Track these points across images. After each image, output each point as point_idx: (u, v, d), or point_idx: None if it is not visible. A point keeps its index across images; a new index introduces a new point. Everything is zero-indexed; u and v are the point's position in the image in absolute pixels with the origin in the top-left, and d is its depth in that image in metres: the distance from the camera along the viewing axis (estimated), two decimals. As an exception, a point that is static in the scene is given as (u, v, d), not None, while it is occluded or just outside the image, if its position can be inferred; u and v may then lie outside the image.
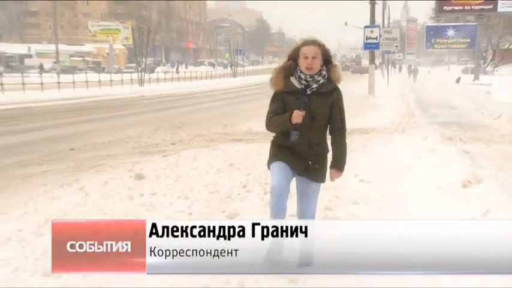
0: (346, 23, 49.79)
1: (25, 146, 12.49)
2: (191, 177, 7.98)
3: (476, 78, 41.98)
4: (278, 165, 4.07)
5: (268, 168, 4.21)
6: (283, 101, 4.03)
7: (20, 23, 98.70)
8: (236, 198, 6.70)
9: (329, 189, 7.09)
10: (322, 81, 4.00)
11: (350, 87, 36.76)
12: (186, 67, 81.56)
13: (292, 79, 4.04)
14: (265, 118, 4.20)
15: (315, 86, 3.98)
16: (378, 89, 31.25)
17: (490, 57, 59.88)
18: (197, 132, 14.48)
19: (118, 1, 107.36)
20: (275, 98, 4.09)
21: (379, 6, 40.28)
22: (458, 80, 40.29)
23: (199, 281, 3.81)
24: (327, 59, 4.04)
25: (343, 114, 4.13)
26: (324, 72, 4.01)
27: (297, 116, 3.85)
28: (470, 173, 7.24)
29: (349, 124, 15.05)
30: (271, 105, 4.12)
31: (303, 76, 3.98)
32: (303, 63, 3.95)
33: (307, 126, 3.94)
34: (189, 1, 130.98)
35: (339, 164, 4.19)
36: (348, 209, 6.17)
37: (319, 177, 4.14)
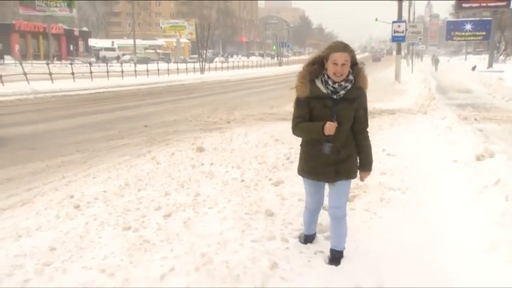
0: (376, 19, 48.44)
1: (109, 123, 12.77)
2: (243, 150, 7.99)
3: (490, 66, 40.71)
4: (310, 185, 3.66)
5: (298, 173, 3.71)
6: (308, 106, 3.38)
7: (106, 22, 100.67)
8: (281, 168, 6.67)
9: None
10: (349, 86, 3.34)
11: (379, 75, 36.13)
12: (237, 57, 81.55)
13: (318, 83, 3.37)
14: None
15: (342, 92, 3.34)
16: (403, 76, 30.61)
17: (503, 47, 58.51)
18: (248, 113, 14.48)
19: (184, 2, 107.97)
20: (300, 103, 3.41)
21: (405, 4, 39.09)
22: (474, 68, 38.92)
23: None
24: (353, 63, 3.38)
25: (367, 113, 3.54)
26: (350, 77, 3.35)
27: (331, 128, 3.26)
28: (483, 148, 7.03)
29: (378, 106, 15.00)
30: (297, 110, 3.45)
31: (330, 82, 3.32)
32: (331, 69, 3.28)
33: (336, 132, 3.33)
34: (243, 1, 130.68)
35: (367, 166, 3.61)
36: (376, 178, 6.05)
37: (351, 175, 3.54)
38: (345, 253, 3.65)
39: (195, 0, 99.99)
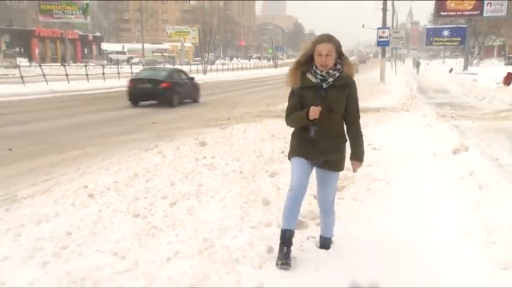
0: (363, 26, 48.26)
1: (120, 120, 12.75)
2: (242, 145, 7.95)
3: (465, 68, 40.84)
4: (298, 162, 3.30)
5: (289, 159, 3.43)
6: (300, 97, 3.24)
7: (117, 28, 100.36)
8: (276, 161, 6.65)
9: (348, 155, 7.01)
10: (337, 74, 3.21)
11: (365, 76, 36.11)
12: (238, 59, 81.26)
13: (308, 75, 3.25)
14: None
15: (330, 79, 3.20)
16: (387, 77, 30.60)
17: (477, 52, 58.66)
18: (247, 110, 14.45)
19: (188, 10, 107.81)
20: (292, 94, 3.30)
21: (389, 12, 39.05)
22: (450, 70, 39.01)
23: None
24: (339, 53, 3.24)
25: (358, 104, 3.36)
26: (338, 66, 3.22)
27: (314, 111, 3.11)
28: (459, 142, 7.06)
29: (365, 104, 15.08)
30: (289, 102, 3.33)
31: (318, 71, 3.20)
32: (317, 60, 3.17)
33: (326, 120, 3.17)
34: (242, 10, 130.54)
35: (359, 156, 3.39)
36: (363, 170, 6.01)
37: (339, 167, 3.35)
38: (334, 238, 3.64)
39: (198, 8, 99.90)
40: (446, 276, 3.22)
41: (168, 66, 42.42)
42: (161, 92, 16.37)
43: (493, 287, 3.04)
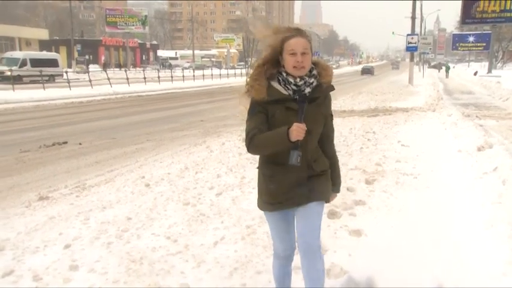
0: (393, 32, 46.88)
1: (173, 118, 12.95)
2: (281, 141, 7.89)
3: (489, 71, 39.17)
4: (275, 219, 2.23)
5: (259, 207, 2.27)
6: (265, 113, 2.08)
7: (171, 36, 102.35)
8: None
9: (379, 150, 6.86)
10: (315, 82, 2.10)
11: (394, 78, 35.15)
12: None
13: (275, 84, 2.08)
14: None
15: (308, 90, 2.07)
16: (415, 79, 29.68)
17: (500, 56, 56.26)
18: (285, 110, 14.34)
19: (233, 20, 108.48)
20: (255, 110, 2.11)
21: (417, 20, 37.81)
22: (475, 73, 37.34)
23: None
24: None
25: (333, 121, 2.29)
26: (314, 72, 2.10)
27: (299, 130, 1.92)
28: (483, 140, 6.77)
29: (394, 105, 14.67)
30: (250, 120, 2.12)
31: (291, 79, 2.05)
32: (290, 62, 2.03)
33: (303, 142, 2.02)
34: (282, 18, 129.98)
35: (338, 186, 2.33)
36: (392, 165, 5.90)
37: (324, 195, 2.22)
38: (366, 226, 3.52)
39: (242, 18, 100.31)
40: (471, 262, 3.09)
41: (215, 69, 42.89)
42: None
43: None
